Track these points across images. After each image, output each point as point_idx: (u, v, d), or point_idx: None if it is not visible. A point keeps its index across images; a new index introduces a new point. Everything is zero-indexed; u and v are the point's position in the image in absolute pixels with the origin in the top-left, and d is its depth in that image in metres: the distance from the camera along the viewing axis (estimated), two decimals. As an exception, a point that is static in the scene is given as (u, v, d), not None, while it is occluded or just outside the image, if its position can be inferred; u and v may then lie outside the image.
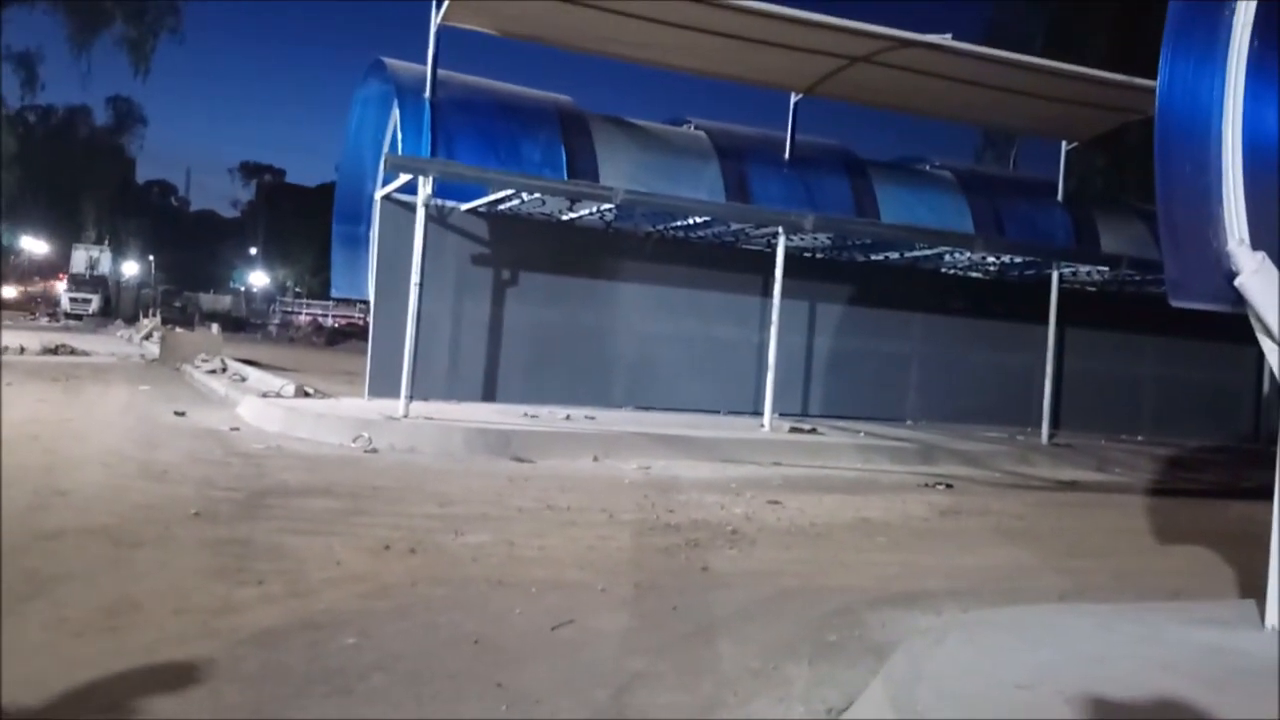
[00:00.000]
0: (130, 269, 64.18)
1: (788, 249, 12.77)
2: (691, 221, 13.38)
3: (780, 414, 12.98)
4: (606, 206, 12.39)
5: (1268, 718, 2.90)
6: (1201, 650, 3.67)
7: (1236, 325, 4.17)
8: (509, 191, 12.05)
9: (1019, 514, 8.51)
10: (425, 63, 12.50)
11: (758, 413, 12.76)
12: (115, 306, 50.99)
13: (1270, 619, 3.98)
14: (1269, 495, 3.99)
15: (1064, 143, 16.88)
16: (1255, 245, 4.10)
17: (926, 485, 9.79)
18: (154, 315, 35.91)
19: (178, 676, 3.38)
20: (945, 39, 12.76)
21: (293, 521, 5.98)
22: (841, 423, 13.85)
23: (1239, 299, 4.05)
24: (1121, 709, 2.89)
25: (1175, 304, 4.11)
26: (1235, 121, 4.18)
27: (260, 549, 5.24)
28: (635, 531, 6.39)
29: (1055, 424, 14.37)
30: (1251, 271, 3.99)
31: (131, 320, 38.90)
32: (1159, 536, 7.89)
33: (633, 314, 14.08)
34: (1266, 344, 4.05)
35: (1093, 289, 16.27)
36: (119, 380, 15.50)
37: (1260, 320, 4.03)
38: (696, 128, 16.01)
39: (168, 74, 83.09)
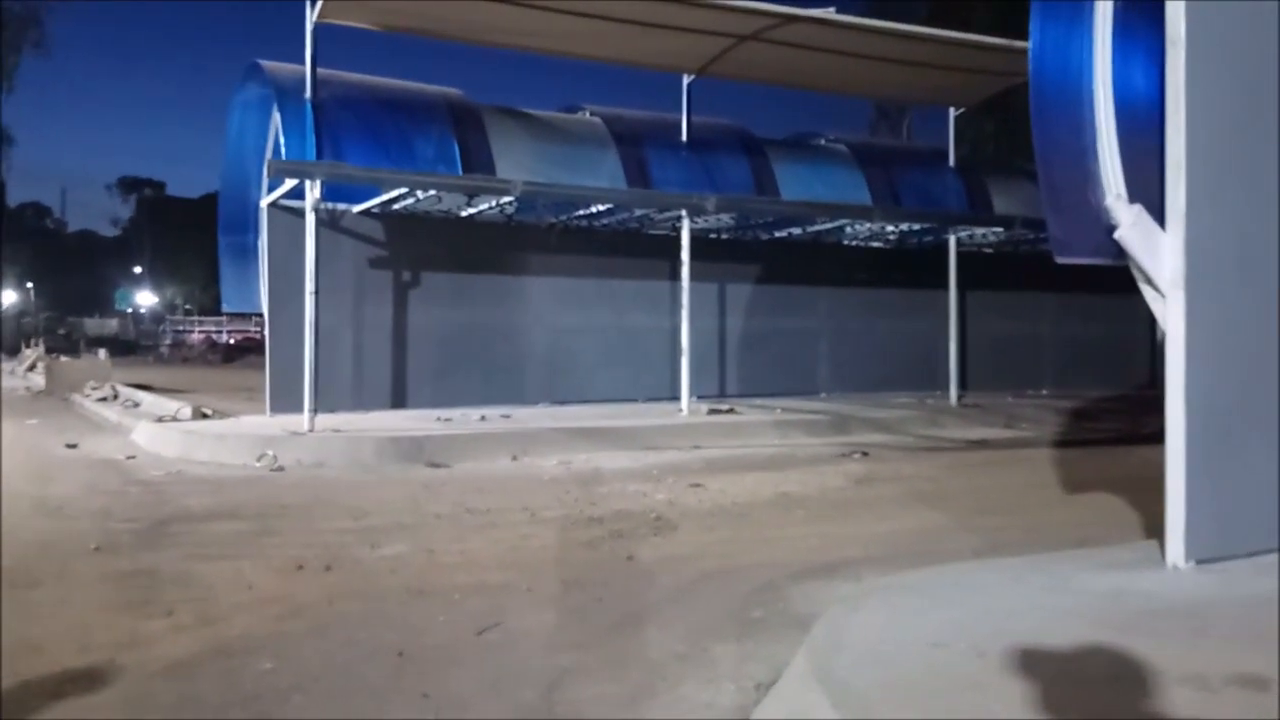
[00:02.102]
0: (7, 298, 61.33)
1: (693, 232, 12.88)
2: (594, 210, 13.39)
3: (698, 397, 13.12)
4: (506, 200, 12.32)
5: (1169, 653, 3.06)
6: (1108, 594, 3.85)
7: (1127, 277, 4.37)
8: (403, 190, 11.88)
9: (931, 476, 8.77)
10: (304, 63, 12.22)
11: (675, 398, 12.87)
12: (-9, 338, 48.69)
13: (1171, 557, 4.20)
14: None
15: (952, 109, 17.36)
16: (1132, 199, 4.31)
17: (842, 455, 10.02)
18: (36, 345, 34.40)
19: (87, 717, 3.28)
20: (829, 12, 13.01)
21: (199, 548, 5.83)
22: (758, 400, 14.07)
23: (1120, 252, 4.25)
24: (1035, 656, 3.02)
25: (1060, 261, 4.29)
26: (1105, 80, 4.37)
27: (166, 579, 5.10)
28: (558, 528, 6.40)
29: (962, 385, 14.84)
30: (1129, 224, 4.18)
31: (13, 352, 37.20)
32: (1066, 488, 8.22)
33: (542, 308, 14.04)
34: (1148, 293, 4.26)
35: (989, 251, 16.82)
36: (4, 415, 14.84)
37: (1141, 271, 4.23)
38: (592, 114, 16.00)
39: (33, 89, 79.26)
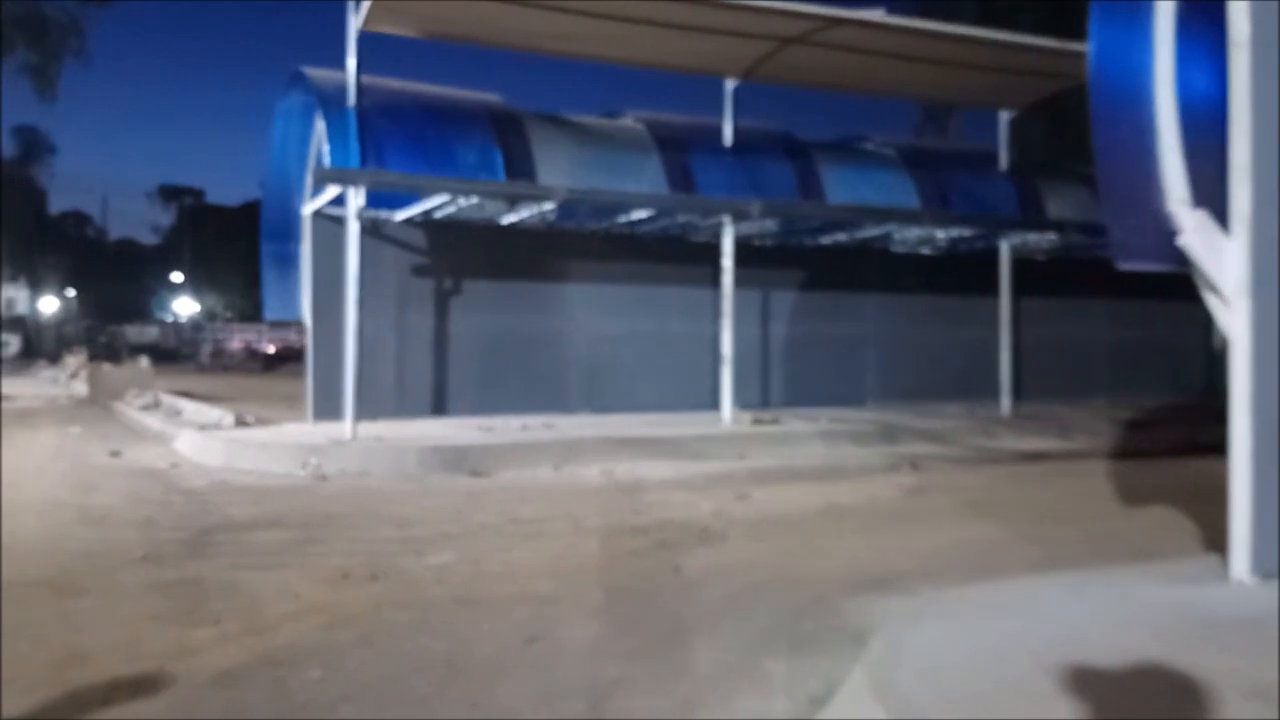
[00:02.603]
0: (50, 305, 62.70)
1: (736, 238, 12.87)
2: (636, 216, 13.43)
3: (741, 406, 13.09)
4: (548, 206, 12.40)
5: (1234, 668, 3.02)
6: (1171, 607, 3.81)
7: (1184, 283, 4.32)
8: (445, 198, 12.00)
9: (985, 488, 8.69)
10: (345, 70, 12.39)
11: (717, 406, 12.86)
12: (36, 346, 49.79)
13: (1235, 570, 4.14)
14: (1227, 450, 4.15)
15: (1004, 113, 17.19)
16: (1195, 203, 4.26)
17: (892, 466, 9.95)
18: (79, 352, 35.11)
19: (139, 725, 3.35)
20: (878, 15, 12.93)
21: (244, 557, 5.93)
22: (803, 410, 14.00)
23: (1182, 258, 4.20)
24: (1097, 672, 3.00)
25: (1122, 267, 4.25)
26: (1168, 82, 4.32)
27: (212, 588, 5.18)
28: (603, 537, 6.42)
29: (1015, 395, 14.66)
30: (1192, 230, 4.13)
31: (55, 360, 38.01)
32: (1123, 499, 8.10)
33: (583, 315, 14.10)
34: (1212, 300, 4.21)
35: (1042, 257, 16.61)
36: (47, 423, 15.18)
37: (1204, 277, 4.18)
38: (634, 120, 16.05)
39: (75, 98, 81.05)
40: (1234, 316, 4.12)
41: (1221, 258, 4.13)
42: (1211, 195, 4.22)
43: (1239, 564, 4.13)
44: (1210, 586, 4.13)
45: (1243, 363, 4.10)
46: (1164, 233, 4.24)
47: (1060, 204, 17.28)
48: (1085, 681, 2.94)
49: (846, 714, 3.00)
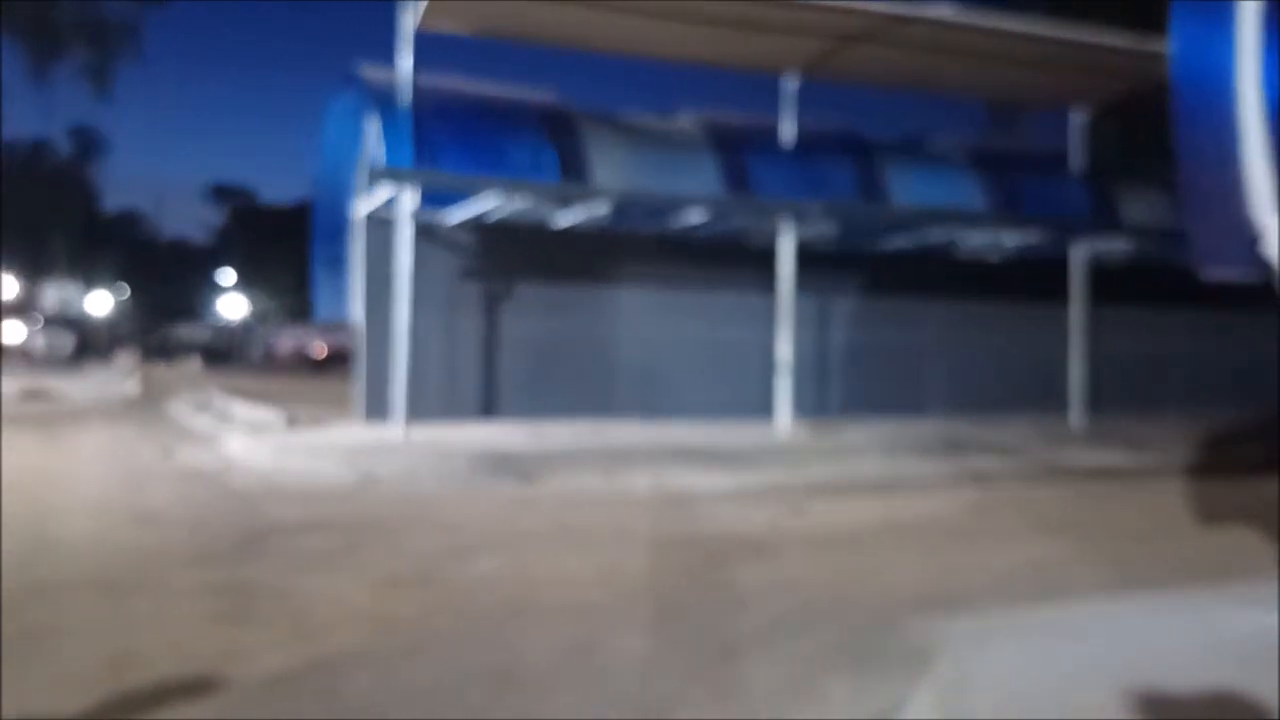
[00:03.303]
0: (103, 305, 64.25)
1: (795, 242, 12.80)
2: (691, 219, 13.42)
3: (797, 415, 13.01)
4: (600, 208, 12.44)
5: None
6: (1250, 632, 3.71)
7: (1264, 293, 4.21)
8: (498, 199, 12.10)
9: (1055, 504, 8.55)
10: (398, 69, 12.55)
11: (771, 415, 12.80)
12: (90, 346, 51.05)
13: (1323, 597, 4.02)
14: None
15: (1079, 113, 16.91)
16: (1283, 210, 4.15)
17: (957, 480, 9.82)
18: (131, 352, 35.98)
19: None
20: (946, 11, 12.80)
21: (294, 560, 6.02)
22: (862, 420, 13.88)
23: (1267, 266, 4.10)
24: (1175, 698, 2.93)
25: (1204, 276, 4.15)
26: (1254, 83, 4.22)
27: (262, 591, 5.27)
28: (654, 548, 6.42)
29: (1087, 407, 14.39)
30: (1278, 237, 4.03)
31: (108, 359, 38.97)
32: (1199, 518, 7.91)
33: (635, 320, 14.12)
34: (1300, 311, 4.10)
35: (1116, 264, 16.29)
36: (100, 422, 15.55)
37: (1292, 287, 4.07)
38: (690, 119, 16.04)
39: (131, 99, 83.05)
40: (1324, 329, 4.01)
41: (1310, 267, 4.02)
42: (1300, 201, 4.12)
43: (1325, 588, 4.02)
44: (1294, 612, 4.02)
45: (1333, 377, 3.98)
46: (1248, 240, 4.14)
47: (1136, 209, 16.93)
48: (1162, 707, 2.88)
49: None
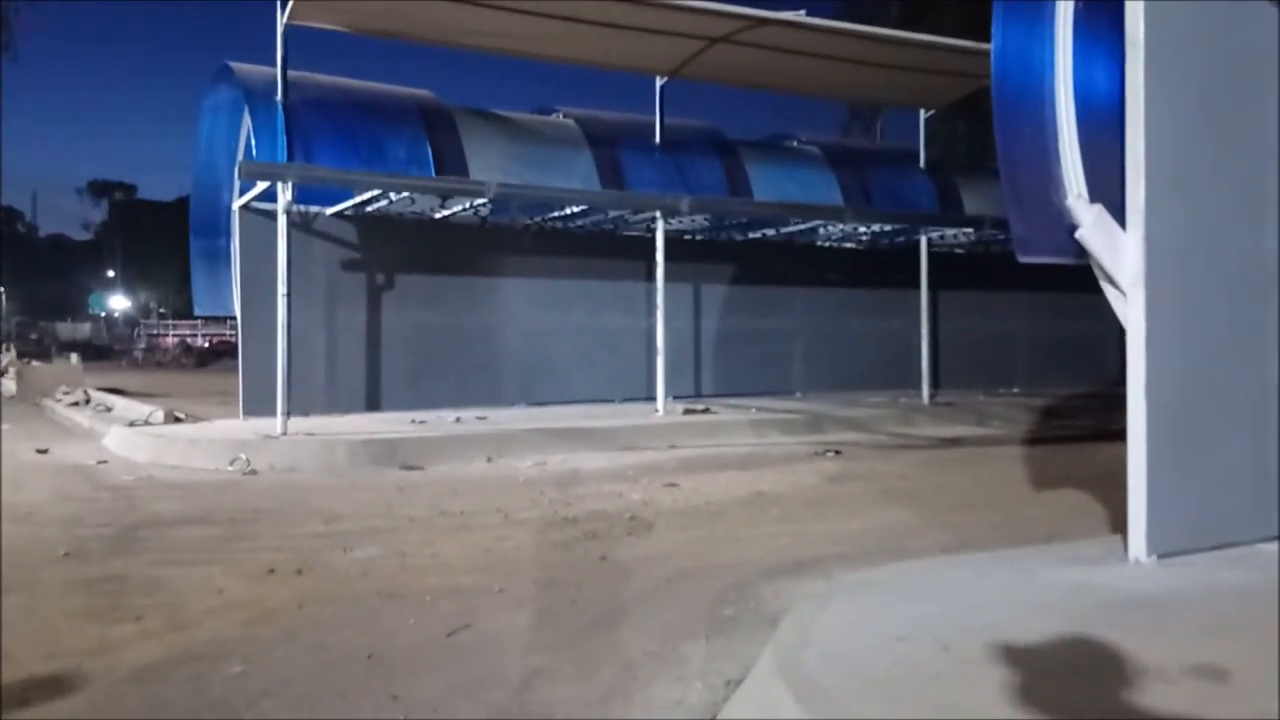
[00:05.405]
0: (-23, 303, 60.53)
1: (667, 233, 12.91)
2: (569, 211, 13.38)
3: (674, 397, 13.14)
4: (480, 201, 12.28)
5: (1130, 646, 3.11)
6: (1071, 588, 3.90)
7: (1095, 276, 4.42)
8: (375, 192, 11.82)
9: (904, 474, 8.84)
10: (275, 65, 12.13)
11: (651, 398, 12.89)
12: (-37, 344, 48.02)
13: (1133, 551, 4.25)
14: (1126, 435, 4.26)
15: (922, 111, 17.47)
16: (1093, 199, 4.36)
17: (816, 454, 10.07)
18: (7, 349, 33.96)
19: (50, 725, 3.25)
20: (800, 15, 13.06)
21: (169, 553, 5.78)
22: (734, 400, 14.11)
23: (1081, 251, 4.30)
24: (998, 650, 3.05)
25: (1023, 260, 4.33)
26: (1066, 81, 4.42)
27: (136, 584, 5.05)
28: (532, 529, 6.39)
29: (935, 384, 14.96)
30: (1090, 224, 4.23)
31: (-18, 357, 36.67)
32: (1036, 484, 8.30)
33: (517, 309, 14.02)
34: (1110, 291, 4.32)
35: (961, 251, 16.94)
36: (-29, 422, 14.65)
37: (1102, 270, 4.28)
38: (565, 116, 15.98)
39: (3, 96, 78.13)
40: (1130, 307, 4.24)
41: (1118, 251, 4.23)
42: (1108, 190, 4.33)
43: (1137, 545, 4.25)
44: (1111, 567, 4.24)
45: (1138, 351, 4.21)
46: (1064, 227, 4.33)
47: (978, 200, 17.64)
48: (987, 660, 3.00)
49: (756, 696, 3.02)
